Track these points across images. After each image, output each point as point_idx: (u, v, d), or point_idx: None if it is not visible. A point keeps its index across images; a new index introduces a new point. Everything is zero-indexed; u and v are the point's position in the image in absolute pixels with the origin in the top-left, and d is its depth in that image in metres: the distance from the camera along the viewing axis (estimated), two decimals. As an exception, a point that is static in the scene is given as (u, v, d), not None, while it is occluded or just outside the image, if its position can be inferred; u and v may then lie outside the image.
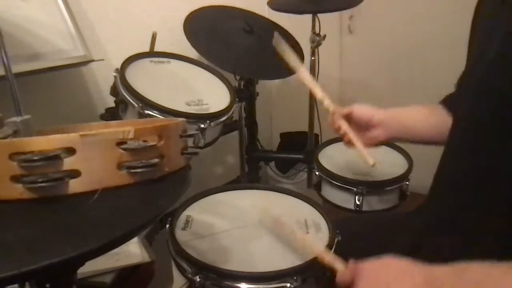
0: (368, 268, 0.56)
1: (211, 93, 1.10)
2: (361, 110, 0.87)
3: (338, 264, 0.62)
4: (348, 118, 0.88)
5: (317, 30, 1.44)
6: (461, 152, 0.63)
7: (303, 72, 0.91)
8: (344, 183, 1.11)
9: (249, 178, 1.55)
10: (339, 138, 1.36)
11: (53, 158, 0.40)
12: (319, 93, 0.90)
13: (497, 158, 0.54)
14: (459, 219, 0.63)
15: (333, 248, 0.76)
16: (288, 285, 0.67)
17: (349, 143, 0.87)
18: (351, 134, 0.86)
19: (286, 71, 1.35)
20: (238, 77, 1.37)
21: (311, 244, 0.70)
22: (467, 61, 0.67)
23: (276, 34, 0.91)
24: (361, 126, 0.88)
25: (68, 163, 0.41)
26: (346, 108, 0.88)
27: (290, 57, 0.89)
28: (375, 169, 1.17)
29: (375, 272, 0.55)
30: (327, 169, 1.15)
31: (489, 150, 0.56)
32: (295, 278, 0.68)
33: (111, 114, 1.08)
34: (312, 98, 1.56)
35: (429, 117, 0.84)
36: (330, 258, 0.64)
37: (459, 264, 0.49)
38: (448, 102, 0.81)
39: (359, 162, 1.20)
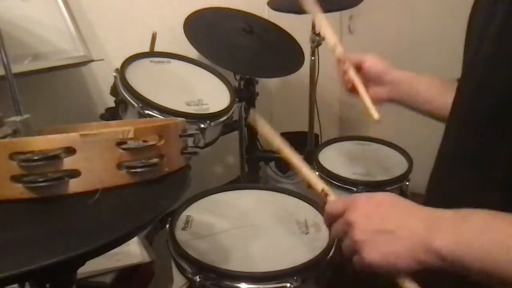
0: (362, 200, 0.53)
1: (211, 93, 1.10)
2: (375, 64, 0.82)
3: (331, 194, 0.60)
4: (357, 66, 0.83)
5: (317, 30, 1.44)
6: (454, 156, 0.62)
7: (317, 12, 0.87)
8: (344, 183, 1.11)
9: (249, 178, 1.55)
10: (339, 138, 1.37)
11: (53, 157, 0.40)
12: (332, 38, 0.85)
13: (492, 162, 0.54)
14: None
15: (333, 248, 0.76)
16: (288, 285, 0.67)
17: (352, 90, 0.83)
18: (359, 85, 0.81)
19: (286, 70, 1.35)
20: (238, 77, 1.37)
21: (306, 170, 0.66)
22: (463, 62, 0.67)
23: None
24: (369, 80, 0.83)
25: (68, 163, 0.41)
26: (358, 56, 0.84)
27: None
28: (376, 168, 1.17)
29: (369, 205, 0.52)
30: (327, 169, 1.15)
31: (484, 153, 0.56)
32: (295, 278, 0.68)
33: (111, 114, 1.08)
34: (312, 98, 1.56)
35: (441, 91, 0.79)
36: (324, 187, 0.61)
37: (464, 209, 0.47)
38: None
39: (361, 160, 1.20)
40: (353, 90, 0.83)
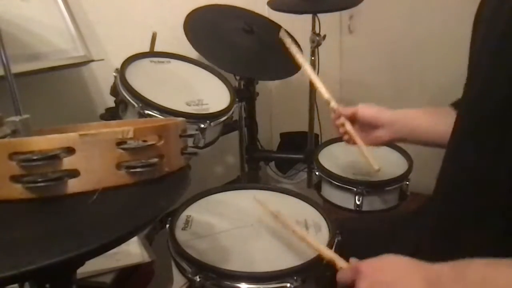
0: (368, 267, 0.56)
1: (211, 93, 1.10)
2: (366, 110, 0.86)
3: (339, 262, 0.62)
4: (353, 118, 0.87)
5: (317, 30, 1.44)
6: (462, 153, 0.63)
7: (309, 71, 0.91)
8: (344, 183, 1.11)
9: (249, 178, 1.55)
10: (339, 138, 1.36)
11: (52, 157, 0.40)
12: (325, 94, 0.90)
13: (498, 159, 0.54)
14: (460, 219, 0.62)
15: (333, 248, 0.76)
16: (288, 285, 0.67)
17: (351, 142, 0.87)
18: (356, 137, 0.85)
19: (286, 71, 1.35)
20: (238, 77, 1.37)
21: (312, 242, 0.70)
22: (468, 65, 0.67)
23: (282, 30, 0.91)
24: (366, 126, 0.86)
25: (68, 162, 0.41)
26: (350, 109, 0.87)
27: (297, 54, 0.90)
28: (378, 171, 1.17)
29: (375, 271, 0.55)
30: (327, 169, 1.15)
31: (490, 151, 0.56)
32: (295, 278, 0.67)
33: (111, 114, 1.08)
34: (312, 98, 1.56)
35: (438, 122, 0.81)
36: (331, 256, 0.64)
37: (460, 261, 0.49)
38: (459, 105, 0.80)
39: (361, 164, 1.20)
40: (351, 141, 0.87)
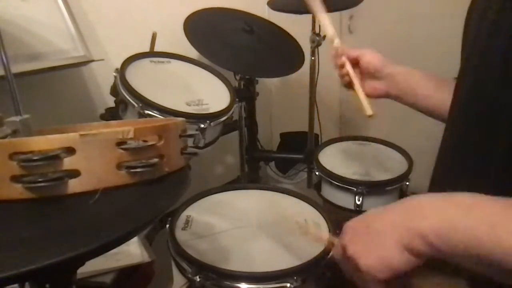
0: (350, 223, 0.54)
1: (211, 93, 1.10)
2: (371, 57, 0.83)
3: (335, 241, 0.61)
4: (355, 60, 0.84)
5: (317, 30, 1.44)
6: (456, 150, 0.63)
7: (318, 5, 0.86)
8: (344, 183, 1.11)
9: (249, 178, 1.55)
10: (339, 138, 1.37)
11: (52, 158, 0.40)
12: (330, 30, 0.86)
13: (492, 156, 0.54)
14: None
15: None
16: (288, 285, 0.67)
17: (349, 85, 0.84)
18: (355, 79, 0.82)
19: (286, 69, 1.35)
20: (238, 77, 1.37)
21: (314, 231, 0.69)
22: (460, 62, 0.66)
23: None
24: (366, 73, 0.84)
25: (68, 163, 0.41)
26: (355, 50, 0.84)
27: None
28: (376, 168, 1.17)
29: (356, 222, 0.54)
30: (327, 169, 1.15)
31: (483, 148, 0.56)
32: (295, 278, 0.68)
33: (111, 114, 1.08)
34: (312, 98, 1.56)
35: (438, 88, 0.79)
36: (334, 240, 0.63)
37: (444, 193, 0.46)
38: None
39: (361, 160, 1.20)
40: (349, 84, 0.83)
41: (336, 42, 0.84)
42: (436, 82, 0.81)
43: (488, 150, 0.53)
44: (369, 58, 0.83)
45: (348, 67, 0.83)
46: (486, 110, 0.53)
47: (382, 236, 0.48)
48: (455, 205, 0.44)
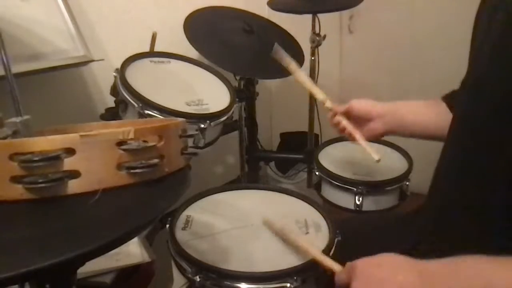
0: (361, 266, 0.56)
1: (211, 93, 1.10)
2: (359, 104, 0.89)
3: (335, 266, 0.63)
4: (348, 114, 0.90)
5: (317, 30, 1.44)
6: (459, 153, 0.63)
7: (301, 75, 0.93)
8: (344, 183, 1.11)
9: (249, 178, 1.55)
10: (339, 138, 1.37)
11: (53, 158, 0.40)
12: (320, 95, 0.92)
13: (496, 159, 0.54)
14: (458, 219, 0.63)
15: (333, 248, 0.76)
16: (288, 285, 0.67)
17: (351, 138, 0.89)
18: (354, 131, 0.87)
19: (286, 71, 1.36)
20: (238, 77, 1.37)
21: (308, 247, 0.71)
22: (468, 64, 0.67)
23: (276, 45, 0.94)
24: (360, 120, 0.89)
25: (68, 163, 0.41)
26: (344, 106, 0.90)
27: (289, 64, 0.92)
28: (376, 168, 1.17)
29: (368, 270, 0.55)
30: (327, 169, 1.15)
31: (488, 151, 0.56)
32: (295, 278, 0.68)
33: (111, 114, 1.08)
34: (312, 98, 1.56)
35: (429, 113, 0.84)
36: (328, 261, 0.65)
37: (455, 257, 0.50)
38: (450, 99, 0.81)
39: (361, 163, 1.21)
40: (351, 137, 0.89)
41: (328, 103, 0.91)
42: (427, 108, 0.86)
43: (491, 160, 0.54)
44: (358, 106, 0.89)
45: (345, 123, 0.89)
46: (494, 106, 0.53)
47: None
48: (464, 278, 0.48)
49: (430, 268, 0.51)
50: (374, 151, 0.84)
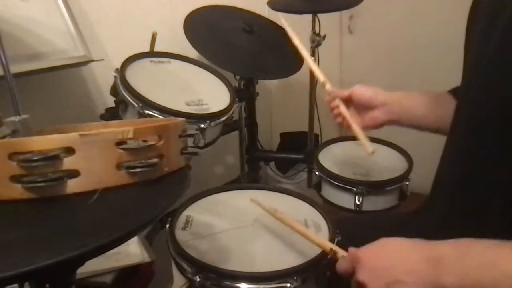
0: (366, 253, 0.56)
1: (211, 93, 1.10)
2: (362, 91, 0.86)
3: (339, 251, 0.63)
4: (348, 100, 0.87)
5: (317, 30, 1.44)
6: (460, 154, 0.63)
7: (304, 52, 0.90)
8: (344, 183, 1.11)
9: (249, 178, 1.55)
10: (339, 138, 1.37)
11: (52, 158, 0.40)
12: (320, 76, 0.89)
13: (498, 161, 0.54)
14: (458, 220, 0.62)
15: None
16: (288, 285, 0.67)
17: (347, 127, 0.86)
18: (350, 119, 0.84)
19: (286, 71, 1.35)
20: (238, 77, 1.37)
21: (312, 236, 0.70)
22: (464, 66, 0.66)
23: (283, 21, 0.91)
24: (362, 107, 0.86)
25: (68, 163, 0.41)
26: (346, 91, 0.87)
27: (296, 40, 0.89)
28: (375, 168, 1.17)
29: (373, 258, 0.55)
30: (327, 169, 1.15)
31: (489, 153, 0.56)
32: (295, 278, 0.67)
33: (111, 114, 1.08)
34: (312, 98, 1.56)
35: (433, 105, 0.81)
36: (331, 246, 0.65)
37: (463, 240, 0.49)
38: (457, 92, 0.80)
39: (361, 160, 1.20)
40: (345, 124, 0.86)
41: (328, 86, 0.88)
42: (431, 100, 0.83)
43: (493, 163, 0.54)
44: (360, 91, 0.86)
45: (342, 108, 0.86)
46: (501, 107, 0.53)
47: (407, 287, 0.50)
48: (474, 263, 0.47)
49: (437, 252, 0.50)
50: (368, 143, 0.81)
